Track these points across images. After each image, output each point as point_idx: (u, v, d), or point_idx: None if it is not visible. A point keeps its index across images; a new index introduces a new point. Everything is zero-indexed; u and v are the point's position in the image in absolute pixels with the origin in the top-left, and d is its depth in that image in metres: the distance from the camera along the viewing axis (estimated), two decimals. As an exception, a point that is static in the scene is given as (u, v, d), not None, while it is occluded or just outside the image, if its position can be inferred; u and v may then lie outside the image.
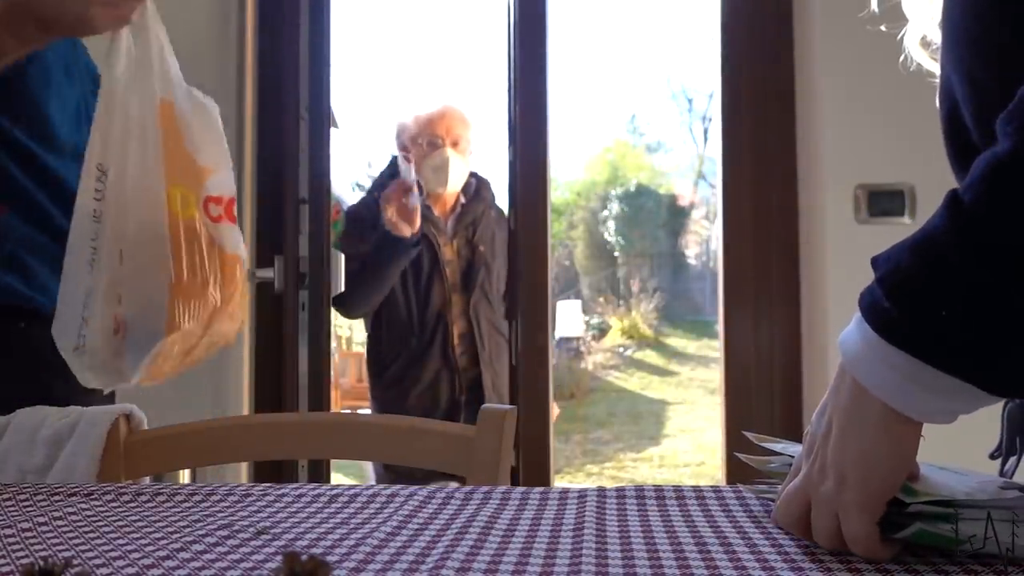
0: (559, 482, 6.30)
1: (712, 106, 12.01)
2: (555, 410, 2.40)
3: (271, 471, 1.85)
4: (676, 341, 11.21)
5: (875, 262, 0.49)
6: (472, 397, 2.28)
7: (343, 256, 2.44)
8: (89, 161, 0.96)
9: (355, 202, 2.49)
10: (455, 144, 2.31)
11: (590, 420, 8.58)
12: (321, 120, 1.95)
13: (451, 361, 2.27)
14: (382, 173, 2.39)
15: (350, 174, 12.77)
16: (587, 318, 10.98)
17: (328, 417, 1.07)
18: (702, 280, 12.34)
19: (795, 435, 2.14)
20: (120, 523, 0.63)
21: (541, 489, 0.71)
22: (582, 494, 0.68)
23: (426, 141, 2.32)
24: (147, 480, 1.01)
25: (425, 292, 2.28)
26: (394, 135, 2.43)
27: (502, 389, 2.26)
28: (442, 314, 2.28)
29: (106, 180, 0.96)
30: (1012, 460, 0.64)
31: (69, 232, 0.98)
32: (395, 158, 2.34)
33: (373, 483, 2.55)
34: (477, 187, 2.40)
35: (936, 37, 0.66)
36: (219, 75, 1.88)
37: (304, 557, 0.37)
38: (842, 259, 1.74)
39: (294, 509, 0.66)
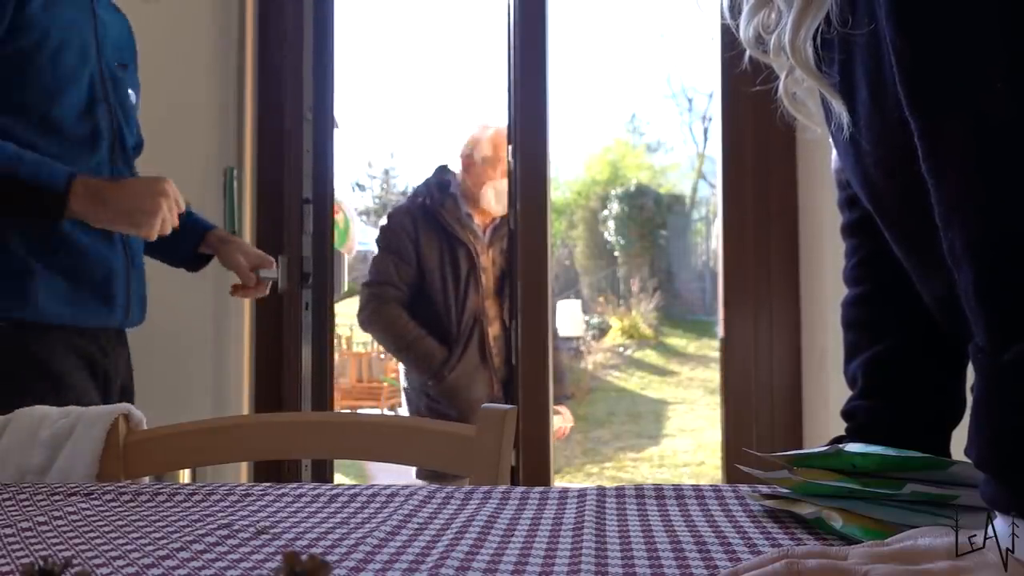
0: (559, 482, 6.29)
1: (712, 106, 12.01)
2: (563, 426, 2.47)
3: (271, 471, 1.85)
4: (676, 341, 11.20)
5: (983, 463, 0.46)
6: (506, 393, 2.36)
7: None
8: None
9: (398, 205, 2.60)
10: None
11: (590, 420, 8.58)
12: (325, 121, 1.97)
13: (488, 360, 2.35)
14: (427, 180, 2.48)
15: (350, 174, 12.78)
16: (587, 318, 10.97)
17: (328, 417, 1.07)
18: (702, 280, 12.33)
19: (795, 434, 2.12)
20: (120, 523, 0.63)
21: (541, 489, 0.71)
22: (582, 494, 0.68)
23: (460, 156, 2.44)
24: (147, 480, 1.01)
25: (464, 295, 2.36)
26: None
27: None
28: (478, 316, 2.36)
29: None
30: None
31: None
32: (443, 166, 2.47)
33: (399, 482, 2.57)
34: None
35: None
36: (219, 75, 1.88)
37: (304, 557, 0.37)
38: (842, 259, 1.74)
39: (294, 509, 0.66)
